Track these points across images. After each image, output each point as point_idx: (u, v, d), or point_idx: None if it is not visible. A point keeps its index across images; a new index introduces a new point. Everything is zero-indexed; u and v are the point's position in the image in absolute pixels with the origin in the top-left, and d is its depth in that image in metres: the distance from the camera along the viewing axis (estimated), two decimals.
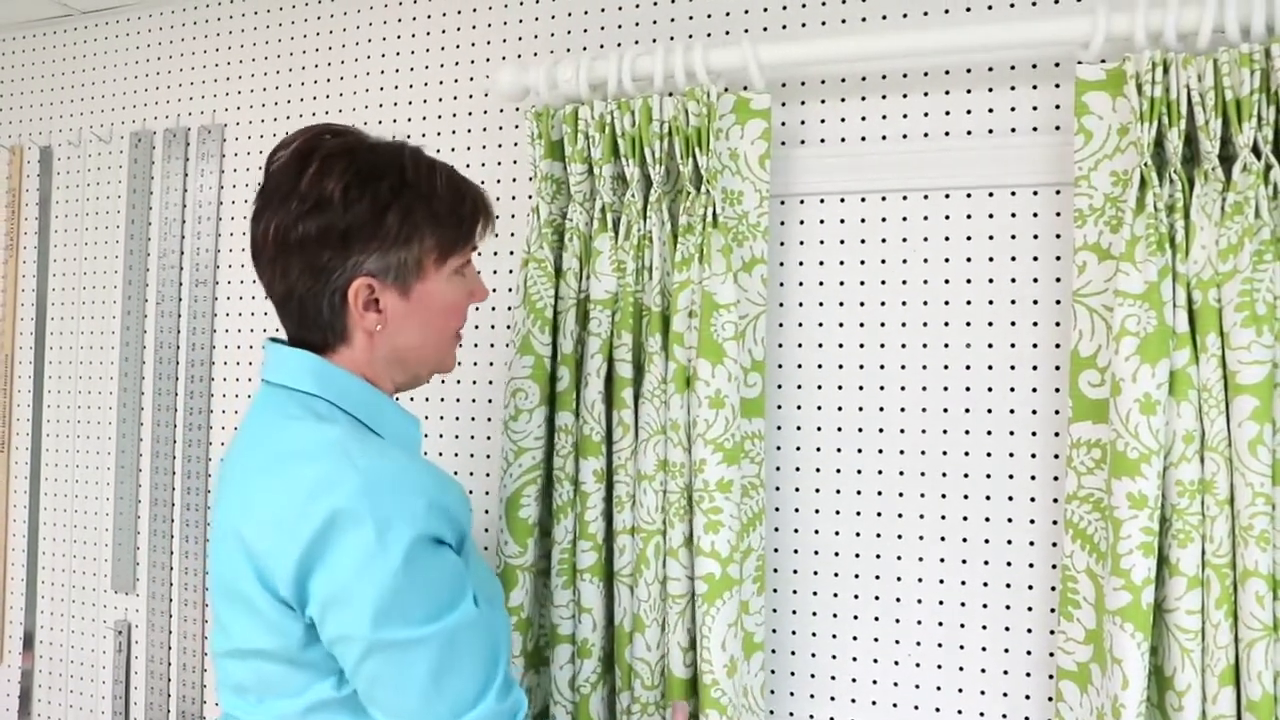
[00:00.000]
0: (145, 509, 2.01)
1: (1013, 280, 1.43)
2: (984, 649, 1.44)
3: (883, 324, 1.49)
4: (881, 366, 1.49)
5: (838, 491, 1.52)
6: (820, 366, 1.53)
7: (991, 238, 1.44)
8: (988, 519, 1.44)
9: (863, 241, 1.51)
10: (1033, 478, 1.42)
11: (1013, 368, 1.43)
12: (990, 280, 1.44)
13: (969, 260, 1.45)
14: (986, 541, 1.44)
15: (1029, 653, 1.42)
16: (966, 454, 1.45)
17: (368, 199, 1.10)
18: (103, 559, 2.05)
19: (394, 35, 1.82)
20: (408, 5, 1.81)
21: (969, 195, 1.45)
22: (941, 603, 1.46)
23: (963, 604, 1.45)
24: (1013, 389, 1.43)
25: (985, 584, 1.44)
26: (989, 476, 1.44)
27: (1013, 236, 1.43)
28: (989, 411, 1.44)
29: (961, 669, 1.45)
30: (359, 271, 1.11)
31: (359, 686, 1.05)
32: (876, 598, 1.49)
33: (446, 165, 1.19)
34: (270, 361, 1.18)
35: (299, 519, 1.02)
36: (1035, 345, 1.42)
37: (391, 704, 1.04)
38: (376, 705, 1.05)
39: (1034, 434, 1.42)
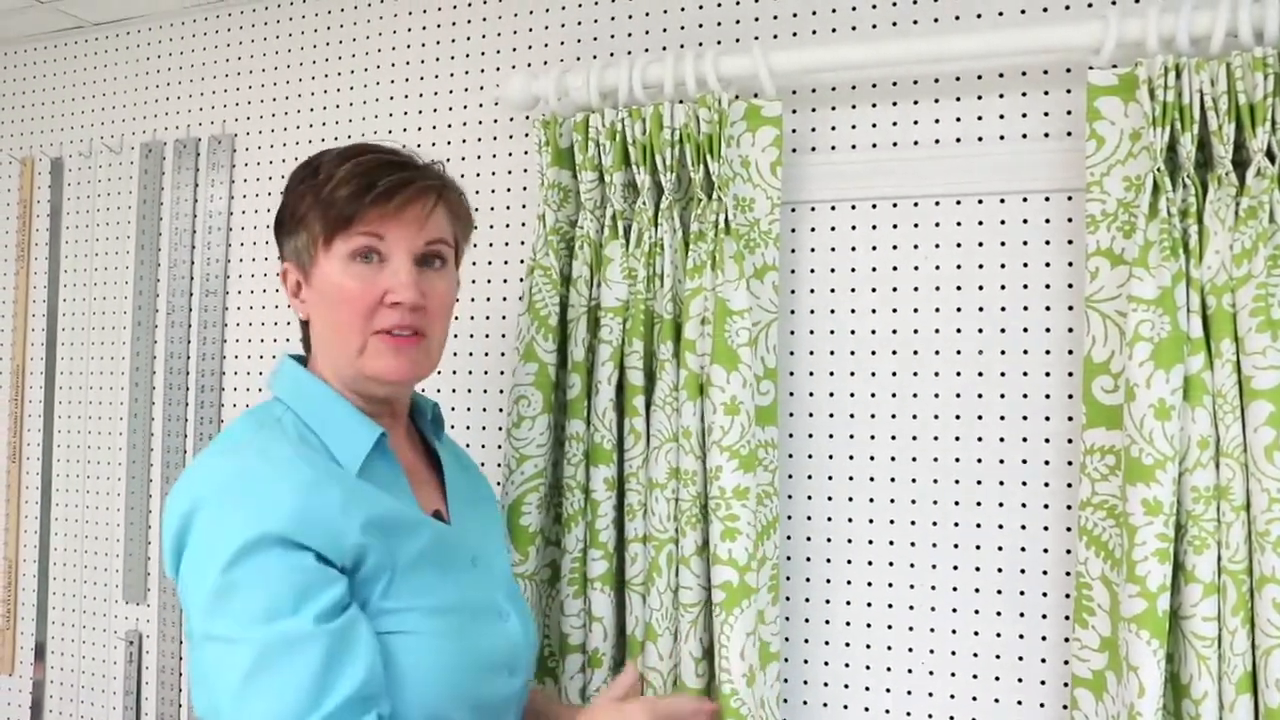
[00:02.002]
0: (156, 519, 2.01)
1: (1025, 286, 1.43)
2: (998, 657, 1.43)
3: (894, 331, 1.49)
4: (893, 374, 1.49)
5: (850, 499, 1.51)
6: (832, 374, 1.52)
7: (1003, 244, 1.44)
8: (1001, 526, 1.43)
9: (874, 249, 1.50)
10: (1046, 484, 1.41)
11: (1025, 374, 1.42)
12: (1002, 286, 1.44)
13: (981, 267, 1.45)
14: (1000, 549, 1.43)
15: (1043, 660, 1.41)
16: (979, 461, 1.44)
17: (285, 194, 1.20)
18: (114, 569, 2.05)
19: (404, 45, 1.82)
20: (417, 15, 1.81)
21: (980, 201, 1.45)
22: (955, 610, 1.45)
23: (976, 611, 1.44)
24: (1025, 395, 1.42)
25: (999, 591, 1.43)
26: (1002, 483, 1.43)
27: (1025, 242, 1.43)
28: (1002, 418, 1.43)
29: (975, 677, 1.44)
30: (281, 258, 1.22)
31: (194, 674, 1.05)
32: (889, 606, 1.49)
33: (378, 157, 1.16)
34: (271, 371, 1.25)
35: (173, 509, 1.06)
36: (1048, 351, 1.41)
37: (211, 698, 1.01)
38: (204, 695, 1.04)
39: (1047, 440, 1.41)
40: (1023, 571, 1.42)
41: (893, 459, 1.49)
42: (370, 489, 1.11)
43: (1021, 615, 1.42)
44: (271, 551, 1.00)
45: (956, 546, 1.45)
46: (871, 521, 1.50)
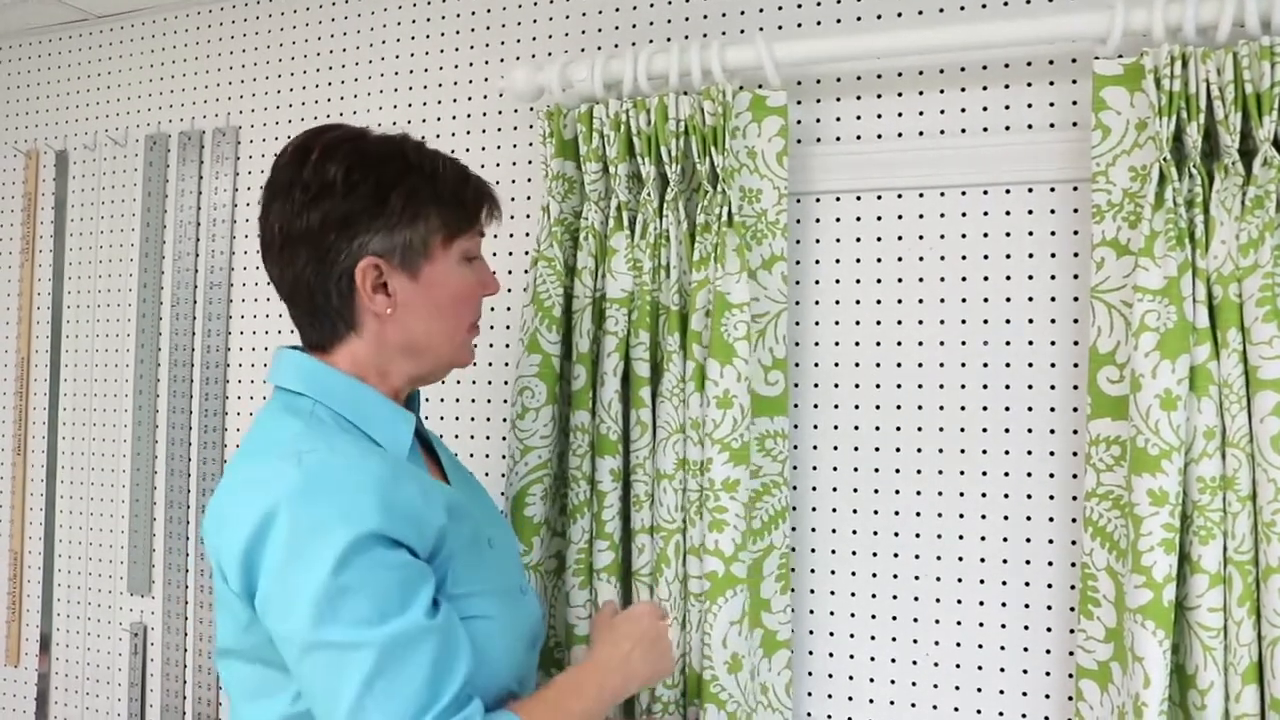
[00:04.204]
0: (160, 511, 2.01)
1: (1030, 277, 1.42)
2: (1003, 648, 1.43)
3: (899, 322, 1.49)
4: (898, 365, 1.49)
5: (854, 490, 1.51)
6: (836, 365, 1.52)
7: (1009, 234, 1.43)
8: (1006, 517, 1.43)
9: (879, 240, 1.50)
10: (1051, 475, 1.41)
11: (1031, 365, 1.42)
12: (1008, 277, 1.43)
13: (986, 257, 1.45)
14: (1005, 540, 1.43)
15: (1049, 651, 1.41)
16: (984, 452, 1.44)
17: (371, 182, 1.12)
18: (118, 561, 2.05)
19: (408, 36, 1.82)
20: (421, 6, 1.81)
21: (986, 192, 1.45)
22: (960, 601, 1.45)
23: (981, 602, 1.44)
24: (1031, 386, 1.42)
25: (1004, 582, 1.43)
26: (1007, 474, 1.43)
27: (1030, 233, 1.42)
28: (1007, 409, 1.43)
29: (981, 668, 1.44)
30: (364, 252, 1.12)
31: (300, 687, 1.03)
32: (894, 597, 1.49)
33: (445, 154, 1.21)
34: (273, 364, 1.20)
35: (241, 515, 1.02)
36: (1053, 342, 1.41)
37: (325, 708, 1.00)
38: (314, 708, 1.02)
39: (1052, 431, 1.41)
40: (1028, 562, 1.42)
41: (897, 450, 1.49)
42: (426, 476, 1.13)
43: (1027, 606, 1.42)
44: (374, 551, 0.99)
45: (961, 537, 1.45)
46: (876, 512, 1.50)
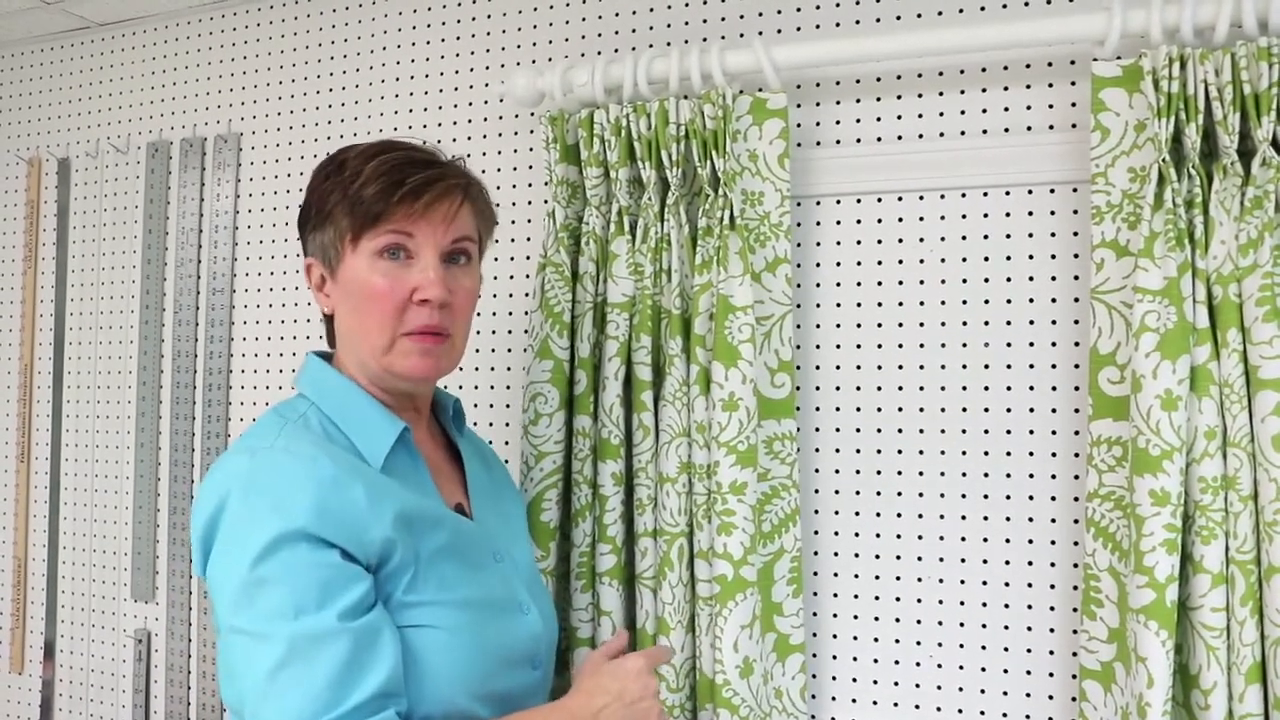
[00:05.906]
0: (164, 517, 2.01)
1: (1031, 278, 1.43)
2: (1006, 649, 1.43)
3: (900, 324, 1.49)
4: (900, 367, 1.49)
5: (857, 493, 1.51)
6: (838, 368, 1.52)
7: (1009, 236, 1.44)
8: (1008, 518, 1.43)
9: (879, 242, 1.50)
10: (1053, 476, 1.41)
11: (1032, 366, 1.42)
12: (1008, 279, 1.44)
13: (986, 259, 1.45)
14: (1008, 541, 1.43)
15: (1051, 652, 1.41)
16: (986, 453, 1.44)
17: (309, 190, 1.20)
18: (122, 568, 2.05)
19: (408, 42, 1.83)
20: (422, 12, 1.82)
21: (985, 194, 1.45)
22: (963, 602, 1.45)
23: (984, 604, 1.44)
24: (1032, 387, 1.42)
25: (1007, 583, 1.43)
26: (1009, 475, 1.43)
27: (1030, 235, 1.43)
28: (1009, 410, 1.43)
29: (984, 669, 1.44)
30: (306, 255, 1.22)
31: (221, 668, 1.07)
32: (897, 599, 1.49)
33: (404, 154, 1.16)
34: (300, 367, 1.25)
35: (201, 504, 1.08)
36: (1054, 343, 1.41)
37: (236, 693, 1.02)
38: (231, 686, 1.05)
39: (1054, 432, 1.41)
40: (1030, 564, 1.42)
41: (900, 452, 1.49)
42: (394, 484, 1.12)
43: (1029, 607, 1.42)
44: (298, 548, 1.01)
45: (963, 539, 1.45)
46: (878, 515, 1.50)
